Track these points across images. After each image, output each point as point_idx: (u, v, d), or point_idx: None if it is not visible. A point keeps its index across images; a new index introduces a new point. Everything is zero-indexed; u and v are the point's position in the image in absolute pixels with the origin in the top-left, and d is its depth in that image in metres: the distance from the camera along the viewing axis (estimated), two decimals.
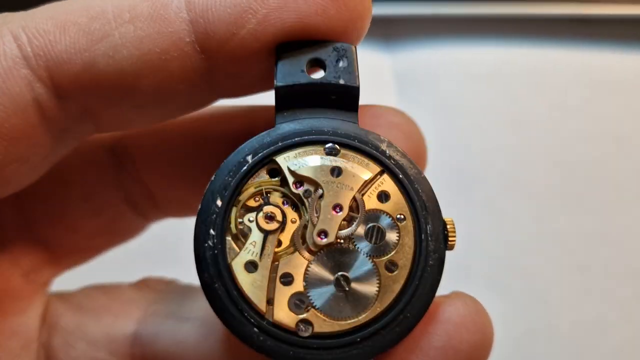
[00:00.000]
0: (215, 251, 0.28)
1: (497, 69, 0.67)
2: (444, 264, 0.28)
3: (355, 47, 0.29)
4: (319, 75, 0.29)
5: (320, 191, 0.28)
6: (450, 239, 0.28)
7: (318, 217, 0.28)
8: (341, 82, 0.29)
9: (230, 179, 0.29)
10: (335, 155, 0.29)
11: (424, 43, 0.70)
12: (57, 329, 0.36)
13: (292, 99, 0.29)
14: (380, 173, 0.29)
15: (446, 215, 0.29)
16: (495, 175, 0.62)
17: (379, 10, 0.67)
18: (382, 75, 0.68)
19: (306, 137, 0.29)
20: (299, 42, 0.29)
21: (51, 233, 0.36)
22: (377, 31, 0.71)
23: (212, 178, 0.29)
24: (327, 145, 0.29)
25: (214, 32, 0.28)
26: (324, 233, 0.28)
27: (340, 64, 0.29)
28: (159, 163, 0.35)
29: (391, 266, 0.28)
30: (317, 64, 0.29)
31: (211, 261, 0.28)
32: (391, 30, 0.71)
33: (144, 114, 0.32)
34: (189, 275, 0.29)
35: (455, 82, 0.67)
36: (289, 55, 0.29)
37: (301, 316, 0.28)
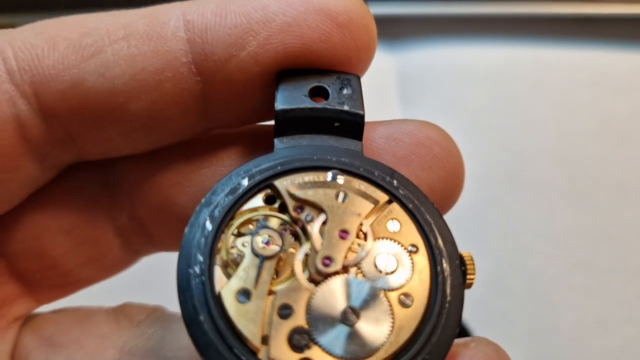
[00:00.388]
0: (203, 278, 0.24)
1: (501, 69, 0.67)
2: (464, 302, 0.25)
3: (359, 78, 0.29)
4: (321, 103, 0.28)
5: (324, 216, 0.26)
6: (469, 275, 0.25)
7: (322, 244, 0.25)
8: (345, 108, 0.28)
9: (223, 201, 0.25)
10: (339, 182, 0.26)
11: (427, 43, 0.70)
12: None
13: (292, 124, 0.28)
14: (389, 202, 0.26)
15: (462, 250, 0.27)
16: (498, 173, 0.62)
17: (381, 9, 0.67)
18: (385, 76, 0.68)
19: (308, 163, 0.27)
20: (301, 70, 0.28)
21: (27, 266, 0.31)
22: (379, 31, 0.72)
23: (203, 200, 0.26)
24: (330, 172, 0.27)
25: (212, 53, 0.27)
26: (329, 259, 0.25)
27: (345, 91, 0.28)
28: (156, 196, 0.31)
29: (405, 300, 0.24)
30: (320, 92, 0.28)
31: (196, 290, 0.24)
32: (394, 30, 0.70)
33: (132, 139, 0.29)
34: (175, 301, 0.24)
35: (459, 82, 0.67)
36: (291, 80, 0.28)
37: (302, 355, 0.23)
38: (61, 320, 0.33)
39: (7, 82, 0.26)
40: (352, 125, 0.28)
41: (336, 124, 0.28)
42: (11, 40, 0.26)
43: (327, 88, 0.28)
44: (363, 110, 0.28)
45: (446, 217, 0.27)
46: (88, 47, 0.26)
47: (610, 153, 0.63)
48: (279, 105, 0.28)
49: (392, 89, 0.68)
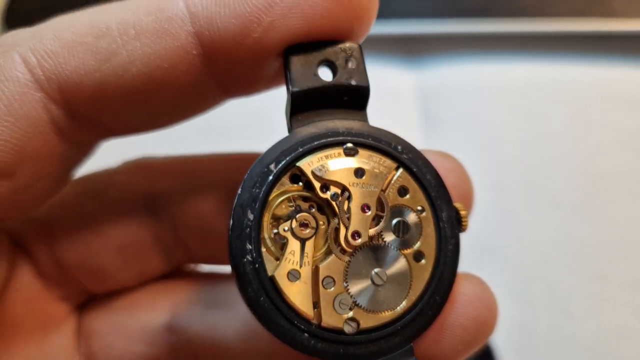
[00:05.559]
0: (256, 265, 0.28)
1: (519, 85, 0.68)
2: (460, 246, 0.31)
3: (361, 46, 0.31)
4: (329, 76, 0.30)
5: (347, 193, 0.29)
6: (463, 222, 0.31)
7: (349, 219, 0.29)
8: (353, 83, 0.30)
9: (257, 190, 0.28)
10: (353, 155, 0.30)
11: (448, 60, 0.71)
12: (93, 335, 0.36)
13: (306, 103, 0.30)
14: (396, 169, 0.30)
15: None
16: (516, 187, 0.63)
17: (403, 28, 0.69)
18: (404, 94, 0.69)
19: (324, 140, 0.29)
20: (307, 44, 0.29)
21: (83, 277, 0.35)
22: (399, 49, 0.71)
23: (239, 192, 0.28)
24: (346, 147, 0.30)
25: (220, 43, 0.27)
26: (357, 234, 0.29)
27: (350, 64, 0.30)
28: (199, 222, 0.35)
29: (418, 256, 0.30)
30: (327, 65, 0.30)
31: (253, 276, 0.28)
32: (414, 48, 0.72)
33: (156, 121, 0.31)
34: None
35: (478, 98, 0.68)
36: (299, 59, 0.29)
37: (346, 315, 0.29)
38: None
39: (38, 90, 0.27)
40: (359, 97, 0.31)
41: (345, 98, 0.30)
42: (33, 49, 0.27)
43: (334, 62, 0.30)
44: (368, 82, 0.30)
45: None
46: (104, 51, 0.27)
47: (626, 167, 0.64)
48: (294, 87, 0.29)
49: (413, 105, 0.69)
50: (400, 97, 0.68)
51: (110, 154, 0.37)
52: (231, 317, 0.35)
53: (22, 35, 0.27)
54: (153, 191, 0.35)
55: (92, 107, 0.28)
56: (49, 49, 0.27)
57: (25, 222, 0.34)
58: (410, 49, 0.72)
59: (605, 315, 0.58)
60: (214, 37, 0.27)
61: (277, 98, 0.34)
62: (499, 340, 0.58)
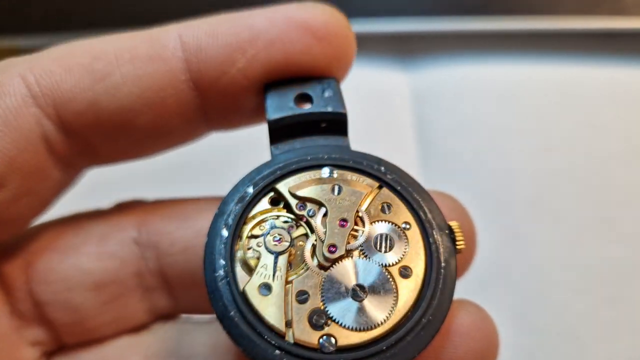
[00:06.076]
0: (228, 279, 0.27)
1: (520, 87, 0.63)
2: (456, 266, 0.29)
3: (338, 81, 0.32)
4: (307, 108, 0.31)
5: (324, 209, 0.29)
6: (458, 242, 0.29)
7: (325, 234, 0.28)
8: (329, 109, 0.31)
9: (234, 209, 0.29)
10: (332, 176, 0.30)
11: (442, 60, 0.66)
12: None
13: (284, 131, 0.31)
14: (379, 187, 0.30)
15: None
16: (520, 199, 0.57)
17: (394, 26, 0.63)
18: (398, 95, 0.64)
19: (303, 164, 0.30)
20: (286, 81, 0.31)
21: (57, 316, 0.34)
22: (392, 48, 0.66)
23: (217, 211, 0.29)
24: (324, 169, 0.30)
25: (207, 70, 0.30)
26: (333, 247, 0.28)
27: (326, 94, 0.31)
28: (184, 260, 0.34)
29: (405, 272, 0.28)
30: (304, 98, 0.32)
31: (224, 290, 0.27)
32: (407, 48, 0.67)
33: (141, 147, 0.33)
34: None
35: (476, 100, 0.62)
36: (277, 91, 0.31)
37: (322, 332, 0.27)
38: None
39: (34, 105, 0.30)
40: (337, 123, 0.31)
41: (323, 125, 0.31)
42: (32, 68, 0.30)
43: (311, 94, 0.31)
44: (344, 109, 0.31)
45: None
46: (99, 72, 0.30)
47: None
48: (270, 115, 0.31)
49: (407, 107, 0.63)
50: (392, 100, 0.62)
51: (102, 197, 0.38)
52: None
53: (21, 58, 0.31)
54: (141, 229, 0.35)
55: (84, 123, 0.30)
56: (47, 68, 0.30)
57: (4, 250, 0.34)
58: (403, 48, 0.67)
59: (618, 342, 0.51)
60: (201, 64, 0.30)
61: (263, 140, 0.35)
62: None
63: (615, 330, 0.52)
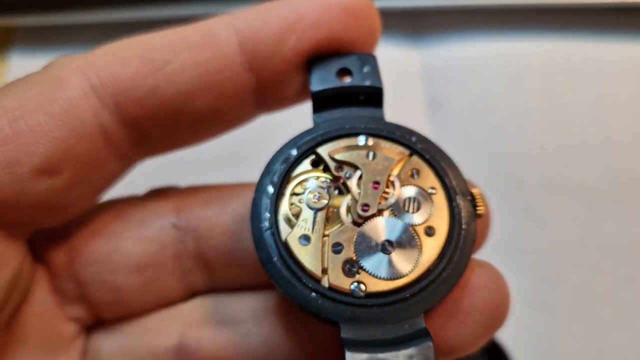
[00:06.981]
0: (272, 229, 0.31)
1: (535, 63, 0.61)
2: (476, 228, 0.32)
3: (376, 57, 0.35)
4: (347, 81, 0.35)
5: (359, 172, 0.32)
6: (478, 207, 0.32)
7: (360, 194, 0.32)
8: (367, 83, 0.34)
9: (279, 168, 0.32)
10: (368, 143, 0.33)
11: (455, 37, 0.64)
12: (100, 359, 0.36)
13: (325, 102, 0.34)
14: (410, 155, 0.33)
15: None
16: (535, 179, 0.56)
17: (405, 2, 0.62)
18: (407, 74, 0.63)
19: (342, 131, 0.33)
20: (327, 56, 0.35)
21: (99, 296, 0.36)
22: (403, 25, 0.65)
23: (263, 170, 0.33)
24: (361, 137, 0.33)
25: (261, 51, 0.33)
26: (366, 206, 0.32)
27: (365, 69, 0.34)
28: (221, 239, 0.36)
29: (429, 231, 0.31)
30: (345, 72, 0.35)
31: (268, 239, 0.31)
32: (418, 24, 0.65)
33: (198, 131, 0.35)
34: None
35: (489, 78, 0.61)
36: (321, 66, 0.34)
37: (354, 279, 0.30)
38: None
39: (93, 96, 0.31)
40: (373, 96, 0.35)
41: (361, 97, 0.35)
42: (91, 62, 0.32)
43: (351, 68, 0.35)
44: (381, 83, 0.35)
45: None
46: (157, 61, 0.32)
47: None
48: (314, 87, 0.34)
49: (418, 87, 0.62)
50: (403, 78, 0.62)
51: (133, 186, 0.38)
52: (243, 334, 0.35)
53: (78, 55, 0.33)
54: (180, 211, 0.37)
55: (144, 111, 0.32)
56: (105, 62, 0.32)
57: (48, 233, 0.35)
58: (414, 24, 0.65)
59: (637, 322, 0.50)
60: (256, 45, 0.33)
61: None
62: (516, 353, 0.50)
63: (634, 311, 0.51)
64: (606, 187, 0.55)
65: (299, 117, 0.39)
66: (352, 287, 0.30)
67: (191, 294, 0.38)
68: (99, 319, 0.37)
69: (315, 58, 0.35)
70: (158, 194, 0.38)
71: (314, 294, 0.30)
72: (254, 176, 0.33)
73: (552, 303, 0.52)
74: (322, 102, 0.34)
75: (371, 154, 0.33)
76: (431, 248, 0.31)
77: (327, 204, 0.32)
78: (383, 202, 0.32)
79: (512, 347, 0.50)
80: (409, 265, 0.30)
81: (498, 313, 0.32)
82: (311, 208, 0.32)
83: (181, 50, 0.32)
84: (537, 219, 0.55)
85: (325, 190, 0.32)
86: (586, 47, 0.61)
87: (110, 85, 0.31)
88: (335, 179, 0.33)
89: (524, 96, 0.60)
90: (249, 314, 0.36)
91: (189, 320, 0.37)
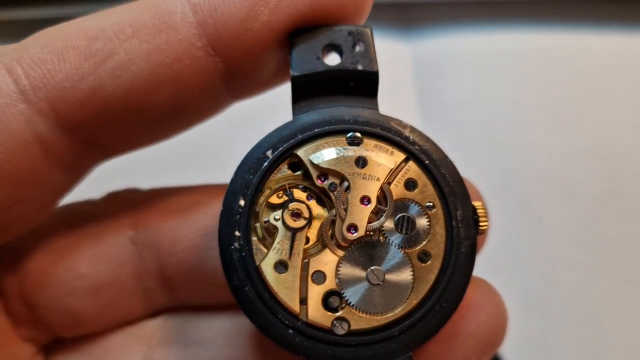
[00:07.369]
0: (243, 253, 0.27)
1: (529, 56, 0.59)
2: (476, 250, 0.28)
3: (372, 30, 0.29)
4: (335, 61, 0.28)
5: (346, 184, 0.28)
6: (481, 223, 0.28)
7: (346, 211, 0.27)
8: (359, 67, 0.28)
9: (251, 176, 0.27)
10: (357, 144, 0.28)
11: (447, 29, 0.62)
12: None
13: (309, 88, 0.28)
14: (406, 160, 0.28)
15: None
16: (529, 174, 0.54)
17: None
18: (401, 66, 0.61)
19: (327, 128, 0.28)
20: (312, 29, 0.28)
21: (55, 319, 0.33)
22: (395, 17, 0.63)
23: (233, 177, 0.28)
24: (349, 135, 0.28)
25: (227, 31, 0.26)
26: (353, 227, 0.27)
27: (357, 48, 0.28)
28: (184, 253, 0.32)
29: (424, 256, 0.27)
30: (333, 49, 0.28)
31: (239, 264, 0.27)
32: (410, 16, 0.63)
33: (157, 130, 0.30)
34: None
35: (481, 71, 0.59)
36: (304, 42, 0.28)
37: (336, 314, 0.27)
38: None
39: (21, 102, 0.26)
40: (366, 83, 0.29)
41: (351, 84, 0.29)
42: (19, 58, 0.26)
43: (340, 46, 0.28)
44: (377, 67, 0.28)
45: None
46: (99, 53, 0.26)
47: None
48: (294, 71, 0.28)
49: (409, 79, 0.60)
50: (394, 71, 0.59)
51: (92, 186, 0.34)
52: (212, 356, 0.32)
53: (7, 48, 0.27)
54: (138, 224, 0.33)
55: (86, 115, 0.27)
56: (37, 57, 0.26)
57: None
58: (405, 16, 0.63)
59: (635, 322, 0.49)
60: (218, 25, 0.26)
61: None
62: (512, 356, 0.50)
63: (632, 311, 0.49)
64: (602, 184, 0.53)
65: (283, 95, 0.33)
66: (334, 323, 0.27)
67: (156, 312, 0.34)
68: (59, 338, 0.34)
69: (297, 30, 0.28)
70: (116, 200, 0.33)
71: (290, 330, 0.26)
72: (225, 174, 0.29)
73: (548, 302, 0.51)
74: (304, 89, 0.29)
75: (361, 160, 0.28)
76: (426, 275, 0.27)
77: (307, 223, 0.27)
78: (373, 221, 0.27)
79: (509, 350, 0.50)
80: (400, 298, 0.27)
81: (493, 337, 0.29)
82: (288, 228, 0.27)
83: (127, 38, 0.26)
84: (532, 216, 0.53)
85: (305, 205, 0.28)
86: (580, 40, 0.59)
87: (43, 86, 0.26)
88: (317, 190, 0.28)
89: (517, 89, 0.58)
90: (219, 334, 0.33)
91: (154, 341, 0.33)
